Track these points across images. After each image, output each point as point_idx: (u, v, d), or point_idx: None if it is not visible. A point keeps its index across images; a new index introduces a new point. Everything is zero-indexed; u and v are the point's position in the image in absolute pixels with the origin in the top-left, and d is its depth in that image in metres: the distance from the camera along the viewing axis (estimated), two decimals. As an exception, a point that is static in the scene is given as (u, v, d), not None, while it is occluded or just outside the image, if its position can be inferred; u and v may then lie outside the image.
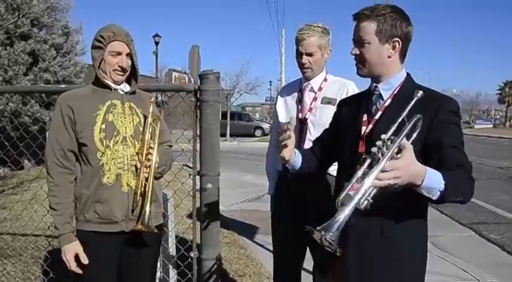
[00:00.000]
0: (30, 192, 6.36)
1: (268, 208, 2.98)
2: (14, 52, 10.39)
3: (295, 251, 2.77)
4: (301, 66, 2.69)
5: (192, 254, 2.81)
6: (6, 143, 3.53)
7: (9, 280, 3.79)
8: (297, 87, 2.81)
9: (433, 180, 1.47)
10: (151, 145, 2.14)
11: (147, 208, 2.09)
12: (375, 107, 1.82)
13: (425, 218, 1.82)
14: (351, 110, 1.92)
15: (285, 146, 1.81)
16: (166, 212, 3.27)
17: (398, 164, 1.39)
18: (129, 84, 2.27)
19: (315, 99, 2.68)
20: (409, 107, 1.56)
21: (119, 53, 2.14)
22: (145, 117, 2.22)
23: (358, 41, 1.77)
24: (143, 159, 2.12)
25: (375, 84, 1.83)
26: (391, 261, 1.73)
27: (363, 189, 1.39)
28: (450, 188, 1.48)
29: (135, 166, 2.15)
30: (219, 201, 2.75)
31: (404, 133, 1.51)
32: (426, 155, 1.62)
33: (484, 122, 67.04)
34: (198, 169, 2.71)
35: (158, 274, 3.26)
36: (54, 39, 11.36)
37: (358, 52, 1.78)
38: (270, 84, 50.91)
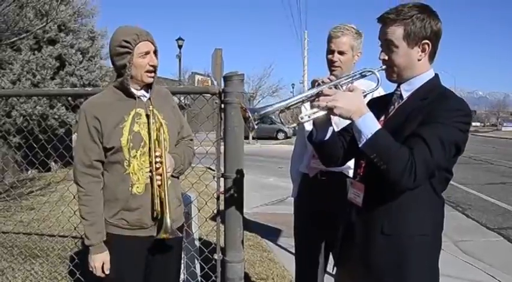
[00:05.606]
0: (57, 193, 6.50)
1: (291, 211, 2.96)
2: (41, 57, 10.65)
3: (318, 254, 2.74)
4: (331, 63, 2.63)
5: (215, 256, 2.82)
6: (35, 145, 3.61)
7: (36, 280, 3.87)
8: None
9: (367, 124, 1.55)
10: (157, 153, 2.11)
11: (167, 216, 2.08)
12: (392, 107, 1.78)
13: (438, 218, 1.71)
14: (373, 110, 1.86)
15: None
16: (190, 214, 3.29)
17: (339, 92, 1.62)
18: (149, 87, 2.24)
19: None
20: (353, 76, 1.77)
21: (147, 53, 2.12)
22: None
23: (386, 46, 1.71)
24: (153, 168, 2.11)
25: (398, 84, 1.79)
26: (393, 262, 1.64)
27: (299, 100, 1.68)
28: (376, 144, 1.52)
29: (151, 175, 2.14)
30: (242, 204, 2.74)
31: (346, 77, 1.77)
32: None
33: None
34: (222, 171, 2.71)
35: (182, 276, 3.28)
36: (80, 43, 11.59)
37: (386, 57, 1.71)
38: (293, 87, 50.77)
